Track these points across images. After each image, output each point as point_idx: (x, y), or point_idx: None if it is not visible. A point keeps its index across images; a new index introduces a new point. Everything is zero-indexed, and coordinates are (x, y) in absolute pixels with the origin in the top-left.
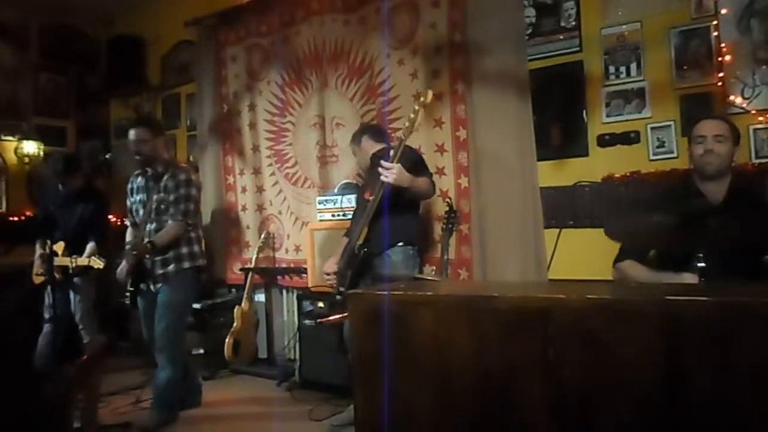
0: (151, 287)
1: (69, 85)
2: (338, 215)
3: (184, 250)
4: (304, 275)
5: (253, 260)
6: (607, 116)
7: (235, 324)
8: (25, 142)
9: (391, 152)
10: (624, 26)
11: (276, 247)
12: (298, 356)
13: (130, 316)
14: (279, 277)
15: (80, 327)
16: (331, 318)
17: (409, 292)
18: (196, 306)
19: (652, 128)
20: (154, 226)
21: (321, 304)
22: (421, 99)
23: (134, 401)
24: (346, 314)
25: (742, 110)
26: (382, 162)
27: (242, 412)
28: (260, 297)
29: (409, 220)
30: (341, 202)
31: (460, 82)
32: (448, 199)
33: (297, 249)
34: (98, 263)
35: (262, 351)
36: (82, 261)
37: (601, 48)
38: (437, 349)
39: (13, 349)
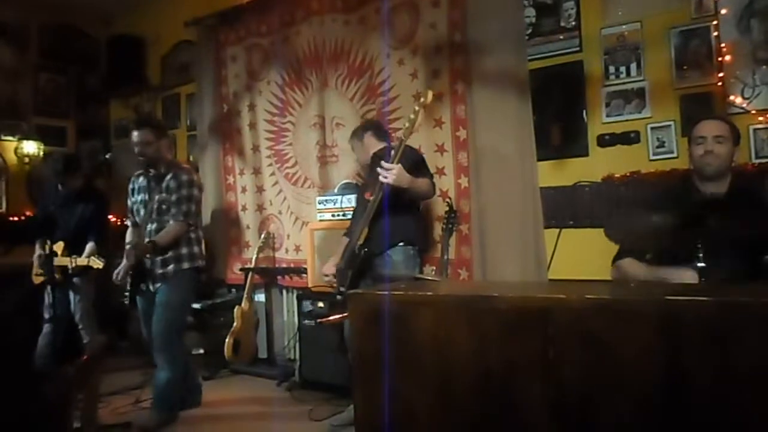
0: (150, 287)
1: (69, 85)
2: (338, 215)
3: (184, 250)
4: (304, 275)
5: (253, 260)
6: (607, 116)
7: (235, 324)
8: (25, 142)
9: (392, 152)
10: (624, 26)
11: (276, 247)
12: (298, 356)
13: (129, 316)
14: (279, 277)
15: (80, 327)
16: (331, 318)
17: (409, 292)
18: (196, 306)
19: (652, 128)
20: (155, 226)
21: (321, 304)
22: (421, 99)
23: (134, 401)
24: (346, 314)
25: (742, 110)
26: (382, 163)
27: (242, 412)
28: (260, 297)
29: (409, 220)
30: (341, 202)
31: (460, 82)
32: (448, 199)
33: (297, 249)
34: (97, 263)
35: (262, 351)
36: (82, 261)
37: (601, 48)
38: (437, 349)
39: (13, 349)
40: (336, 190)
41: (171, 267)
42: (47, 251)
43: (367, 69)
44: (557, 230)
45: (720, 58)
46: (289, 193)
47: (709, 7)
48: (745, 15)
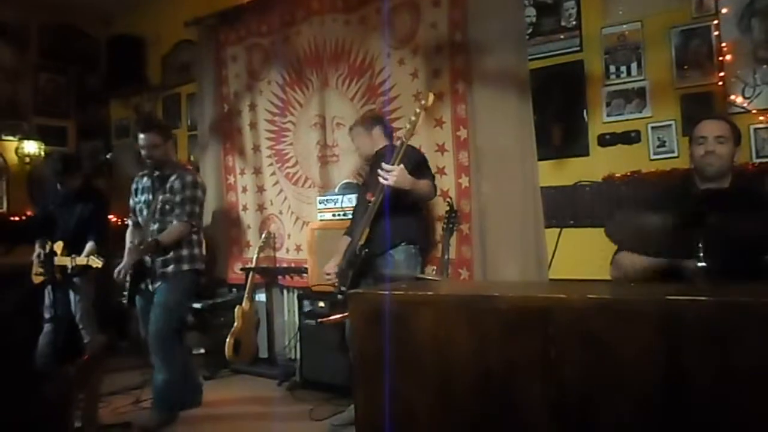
0: (150, 287)
1: (69, 85)
2: (339, 215)
3: (185, 251)
4: (305, 275)
5: (254, 260)
6: (608, 116)
7: (235, 324)
8: (25, 142)
9: (393, 153)
10: (624, 26)
11: (277, 246)
12: (298, 356)
13: (129, 316)
14: (280, 277)
15: (80, 327)
16: (332, 318)
17: (409, 292)
18: (197, 305)
19: (652, 128)
20: (157, 226)
21: (322, 304)
22: (422, 102)
23: (134, 401)
24: (346, 314)
25: (742, 110)
26: (384, 165)
27: (243, 411)
28: (261, 297)
29: (410, 221)
30: (342, 201)
31: (461, 82)
32: (448, 199)
33: (298, 249)
34: (97, 263)
35: (262, 351)
36: (81, 260)
37: (601, 47)
38: (438, 348)
39: (14, 349)
40: (336, 190)
41: (171, 267)
42: (47, 251)
43: (367, 69)
44: (558, 230)
45: (721, 58)
46: (290, 193)
47: (709, 6)
48: (745, 14)
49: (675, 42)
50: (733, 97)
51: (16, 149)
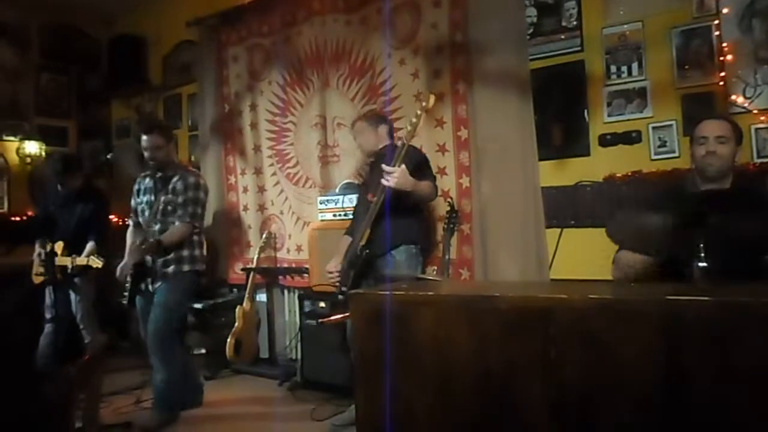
0: (150, 287)
1: (70, 85)
2: (339, 215)
3: (186, 252)
4: (306, 275)
5: (255, 260)
6: (609, 116)
7: (236, 324)
8: (26, 142)
9: (394, 153)
10: (625, 26)
11: (277, 247)
12: (299, 356)
13: (130, 317)
14: (280, 277)
15: (81, 327)
16: (332, 318)
17: (410, 292)
18: (198, 306)
19: (653, 128)
20: (159, 227)
21: (322, 304)
22: (423, 103)
23: (135, 401)
24: (347, 314)
25: (743, 110)
26: (384, 167)
27: (244, 412)
28: (262, 297)
29: (411, 222)
30: (342, 202)
31: (462, 82)
32: (449, 199)
33: (298, 249)
34: (97, 263)
35: (263, 351)
36: (81, 260)
37: (602, 47)
38: (438, 349)
39: (14, 349)
40: (337, 190)
41: (171, 268)
42: (47, 251)
43: (368, 69)
44: (559, 230)
45: (721, 58)
46: (291, 193)
47: (710, 6)
48: (746, 14)
49: (676, 42)
50: (734, 97)
51: (17, 149)
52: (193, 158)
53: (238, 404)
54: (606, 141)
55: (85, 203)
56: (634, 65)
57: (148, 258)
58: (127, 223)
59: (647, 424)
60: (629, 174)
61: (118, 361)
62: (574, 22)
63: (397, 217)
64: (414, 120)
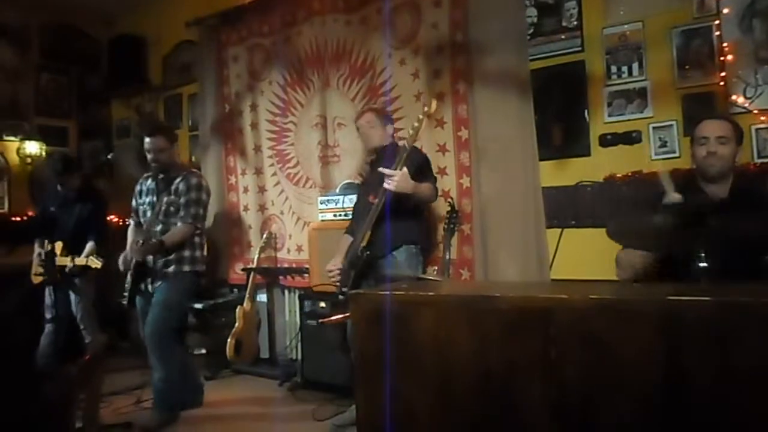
0: (150, 287)
1: (70, 86)
2: (340, 215)
3: (187, 253)
4: (306, 275)
5: (255, 260)
6: (609, 116)
7: (237, 324)
8: (27, 142)
9: (395, 155)
10: (626, 26)
11: (278, 247)
12: (300, 356)
13: (130, 316)
14: (281, 277)
15: (81, 327)
16: (333, 318)
17: (410, 292)
18: (198, 306)
19: (654, 128)
20: (161, 228)
21: (323, 304)
22: (426, 108)
23: (135, 401)
24: (348, 314)
25: (744, 110)
26: (385, 170)
27: (244, 412)
28: (262, 297)
29: (412, 223)
30: (343, 202)
31: (462, 82)
32: (449, 199)
33: (299, 249)
34: (96, 263)
35: (264, 351)
36: (80, 261)
37: (602, 48)
38: (438, 349)
39: (14, 349)
40: (338, 190)
41: (172, 268)
42: (46, 251)
43: (368, 69)
44: (559, 230)
45: (722, 58)
46: (291, 194)
47: (710, 6)
48: (747, 14)
49: (676, 42)
50: (734, 97)
51: (18, 150)
52: (193, 158)
53: (239, 404)
54: (606, 141)
55: (84, 203)
56: (635, 65)
57: (150, 258)
58: (127, 223)
59: (647, 424)
60: (630, 174)
61: (118, 361)
62: (575, 22)
63: (397, 218)
64: (416, 124)
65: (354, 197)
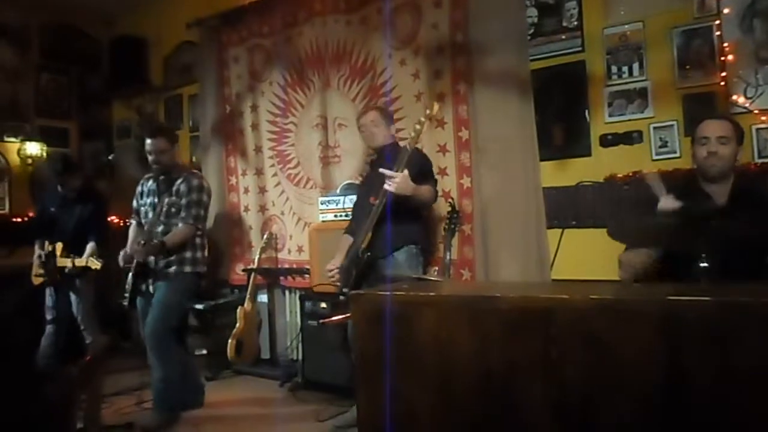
0: (150, 288)
1: (71, 86)
2: (340, 216)
3: (188, 254)
4: (307, 276)
5: (256, 261)
6: (610, 116)
7: (237, 325)
8: (28, 143)
9: (396, 156)
10: (626, 26)
11: (278, 247)
12: (300, 357)
13: (131, 317)
14: (281, 278)
15: (82, 328)
16: (334, 318)
17: (411, 292)
18: (199, 307)
19: (654, 128)
20: (162, 228)
21: (324, 305)
22: (428, 111)
23: (137, 402)
24: (348, 315)
25: (744, 110)
26: (386, 171)
27: (245, 412)
28: (263, 298)
29: (413, 224)
30: (343, 202)
31: (462, 83)
32: (450, 200)
33: (299, 249)
34: (96, 264)
35: (264, 352)
36: (80, 262)
37: (603, 48)
38: (439, 349)
39: (16, 350)
40: (338, 191)
41: (173, 268)
42: (46, 252)
43: (369, 69)
44: (560, 230)
45: (722, 58)
46: (292, 194)
47: (711, 6)
48: (747, 14)
49: (677, 42)
50: (735, 97)
51: (19, 150)
52: (194, 159)
53: (239, 405)
54: (607, 141)
55: (85, 204)
56: (635, 65)
57: (151, 259)
58: (128, 223)
59: (648, 424)
60: (630, 174)
61: (119, 362)
62: (575, 23)
63: (398, 219)
64: (418, 127)
65: (354, 198)
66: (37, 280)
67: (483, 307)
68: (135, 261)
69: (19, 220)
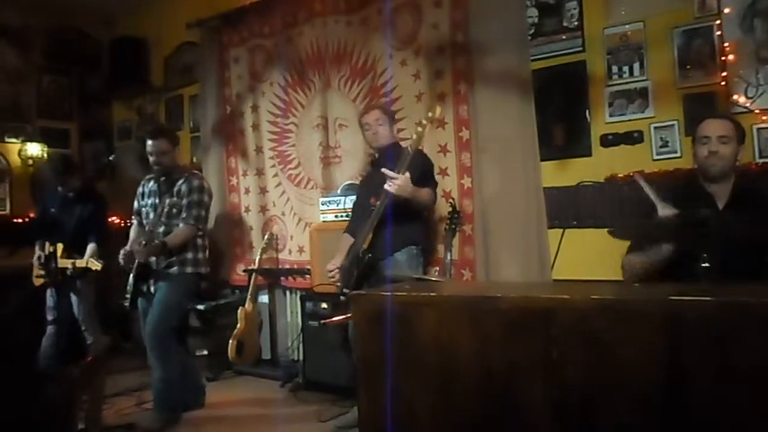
0: (151, 288)
1: (72, 87)
2: (341, 216)
3: (189, 255)
4: (308, 276)
5: (257, 261)
6: (610, 116)
7: (238, 325)
8: (28, 144)
9: (397, 157)
10: (627, 26)
11: (279, 248)
12: (301, 357)
13: (132, 318)
14: (282, 278)
15: (83, 329)
16: (334, 319)
17: (412, 293)
18: (200, 307)
19: (655, 128)
20: (163, 229)
21: (324, 305)
22: (429, 114)
23: (138, 402)
24: (349, 315)
25: (745, 110)
26: (388, 172)
27: (246, 413)
28: (264, 298)
29: (413, 225)
30: (344, 203)
31: (463, 83)
32: (451, 200)
33: (300, 250)
34: (96, 265)
35: (265, 352)
36: (81, 263)
37: (604, 48)
38: (440, 349)
39: (17, 350)
40: (339, 191)
41: (174, 269)
42: (46, 253)
43: (369, 70)
44: (560, 230)
45: (723, 58)
46: (292, 195)
47: (712, 6)
48: (748, 14)
49: (677, 42)
50: (735, 96)
51: (19, 151)
52: (194, 160)
53: (240, 405)
54: (608, 141)
55: (85, 204)
56: (636, 65)
57: (152, 259)
58: (129, 223)
59: (648, 424)
60: (631, 174)
61: (120, 363)
62: (576, 23)
63: (398, 219)
64: (420, 129)
65: (354, 198)
66: (38, 281)
67: (484, 308)
68: (136, 261)
69: (19, 220)
